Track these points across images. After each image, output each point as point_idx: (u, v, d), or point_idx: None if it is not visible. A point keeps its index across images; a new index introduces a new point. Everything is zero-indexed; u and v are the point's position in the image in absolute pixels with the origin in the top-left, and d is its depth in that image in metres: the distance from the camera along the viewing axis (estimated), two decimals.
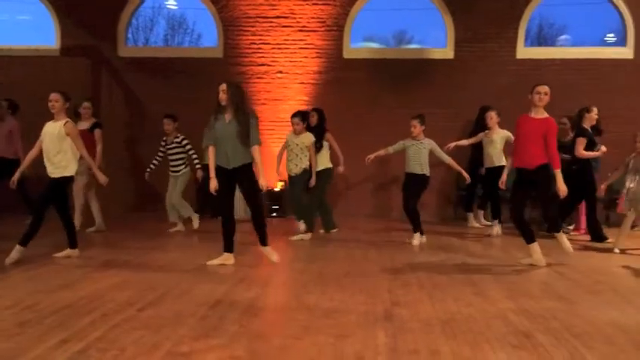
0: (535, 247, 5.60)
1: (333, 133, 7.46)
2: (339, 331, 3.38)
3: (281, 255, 5.71)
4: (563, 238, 5.74)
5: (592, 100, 7.69)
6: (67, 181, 5.55)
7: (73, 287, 4.39)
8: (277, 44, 9.72)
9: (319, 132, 7.34)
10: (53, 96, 5.49)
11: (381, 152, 7.03)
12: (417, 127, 6.77)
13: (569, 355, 3.06)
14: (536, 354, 3.06)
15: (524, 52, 9.52)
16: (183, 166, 7.60)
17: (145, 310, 3.78)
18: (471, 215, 8.65)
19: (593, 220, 7.30)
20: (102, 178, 5.74)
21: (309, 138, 6.98)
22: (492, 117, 7.52)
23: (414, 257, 5.97)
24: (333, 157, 7.46)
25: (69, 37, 9.84)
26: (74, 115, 7.07)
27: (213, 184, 5.19)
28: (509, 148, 7.11)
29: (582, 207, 7.75)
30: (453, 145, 7.45)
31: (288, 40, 9.71)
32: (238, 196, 8.54)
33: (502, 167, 7.14)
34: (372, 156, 6.99)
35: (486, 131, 7.60)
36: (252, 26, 9.73)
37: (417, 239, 6.79)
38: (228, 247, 5.36)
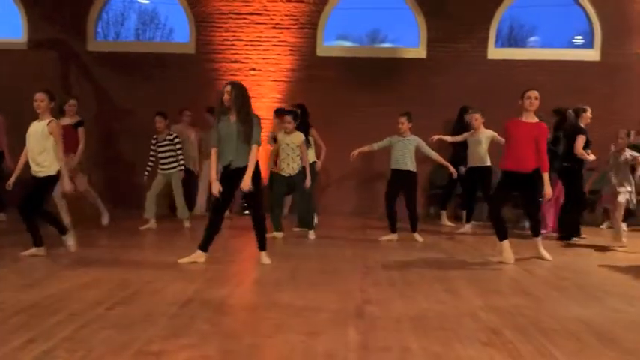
0: (506, 244, 5.70)
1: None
2: (310, 329, 3.39)
3: (252, 254, 5.70)
4: (540, 243, 5.93)
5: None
6: (54, 180, 5.51)
7: (40, 286, 4.30)
8: (250, 41, 9.67)
9: (304, 128, 7.37)
10: (39, 96, 5.46)
11: (366, 148, 7.06)
12: (404, 124, 6.85)
13: (536, 350, 3.12)
14: (505, 350, 3.11)
15: (495, 52, 9.66)
16: (176, 164, 7.58)
17: (114, 309, 3.73)
18: (444, 213, 8.71)
19: (578, 217, 7.46)
20: (67, 186, 5.60)
21: (299, 137, 6.95)
22: (477, 118, 7.64)
23: (387, 255, 6.01)
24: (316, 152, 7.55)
25: (37, 30, 9.64)
26: (59, 113, 7.00)
27: (216, 187, 5.15)
28: (495, 147, 7.25)
29: (550, 205, 7.90)
30: (436, 137, 7.56)
31: (261, 37, 9.67)
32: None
33: (487, 168, 7.26)
34: (356, 152, 7.02)
35: (472, 131, 7.71)
36: (225, 22, 9.67)
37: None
38: (205, 246, 5.30)
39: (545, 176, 5.63)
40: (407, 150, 6.83)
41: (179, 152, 7.57)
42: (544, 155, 5.60)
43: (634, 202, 6.82)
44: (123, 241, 6.41)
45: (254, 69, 9.67)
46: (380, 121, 9.10)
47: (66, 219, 7.17)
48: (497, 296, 4.32)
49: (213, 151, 5.24)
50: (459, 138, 7.89)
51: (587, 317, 3.78)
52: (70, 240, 5.68)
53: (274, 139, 7.20)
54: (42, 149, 5.42)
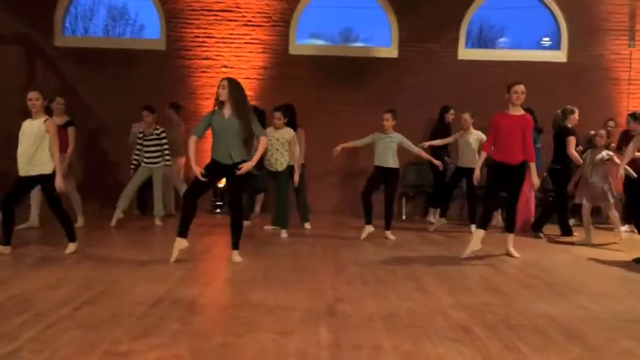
0: (481, 233, 5.81)
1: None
2: (282, 328, 3.38)
3: (224, 252, 5.66)
4: (511, 239, 6.04)
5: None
6: (50, 179, 5.42)
7: (4, 286, 4.19)
8: (222, 38, 9.59)
9: (292, 128, 7.40)
10: (33, 94, 5.46)
11: (349, 144, 7.10)
12: (389, 121, 6.91)
13: (504, 346, 3.17)
14: (474, 347, 3.15)
15: (466, 53, 9.78)
16: (160, 159, 7.60)
17: (80, 309, 3.66)
18: (438, 211, 8.63)
19: (566, 216, 7.73)
20: (60, 184, 5.51)
21: (289, 133, 6.98)
22: (466, 119, 7.72)
23: (359, 254, 6.03)
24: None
25: (0, 23, 9.37)
26: (44, 112, 6.86)
27: (197, 170, 5.14)
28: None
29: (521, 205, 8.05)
30: (427, 144, 7.65)
31: (233, 34, 9.60)
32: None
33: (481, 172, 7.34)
34: (339, 147, 7.05)
35: (461, 132, 7.79)
36: (197, 19, 9.57)
37: (392, 235, 6.98)
38: (185, 232, 5.21)
39: (533, 166, 5.83)
40: (389, 147, 6.89)
41: (165, 148, 7.58)
42: (530, 146, 5.80)
43: (612, 198, 6.98)
44: (91, 240, 6.28)
45: (226, 66, 9.60)
46: (351, 120, 9.15)
47: (78, 212, 7.28)
48: (468, 294, 4.38)
49: (193, 139, 5.25)
50: (448, 140, 7.95)
51: (555, 314, 3.86)
52: (72, 248, 5.56)
53: None
54: (37, 148, 5.38)
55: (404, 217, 9.26)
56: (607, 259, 6.09)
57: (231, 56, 9.60)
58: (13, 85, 8.73)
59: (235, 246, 5.36)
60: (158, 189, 7.64)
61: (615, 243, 6.99)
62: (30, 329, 3.21)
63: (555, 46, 9.97)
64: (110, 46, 9.82)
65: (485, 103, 8.29)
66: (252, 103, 8.51)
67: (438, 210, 8.29)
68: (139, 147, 7.70)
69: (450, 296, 4.27)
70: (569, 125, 7.57)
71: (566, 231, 7.59)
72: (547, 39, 10.57)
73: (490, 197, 6.03)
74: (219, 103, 5.21)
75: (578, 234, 7.48)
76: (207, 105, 9.42)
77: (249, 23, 9.61)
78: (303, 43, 10.09)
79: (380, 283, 4.66)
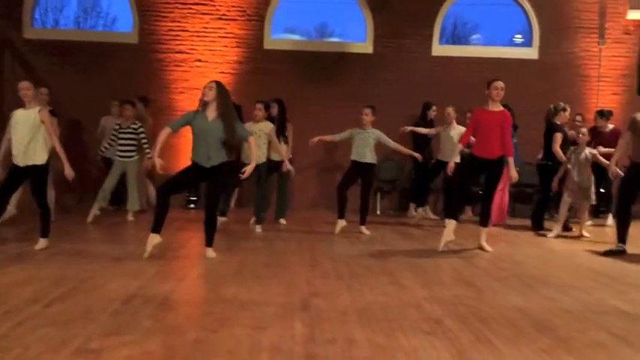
0: (452, 224, 5.93)
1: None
2: (256, 323, 3.37)
3: (198, 248, 5.62)
4: (484, 234, 6.12)
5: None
6: (45, 169, 5.41)
7: None
8: (196, 32, 9.50)
9: (282, 123, 7.46)
10: (24, 84, 5.43)
11: (327, 138, 7.15)
12: (368, 115, 6.96)
13: (476, 338, 3.22)
14: (446, 339, 3.20)
15: (439, 49, 9.85)
16: (135, 153, 7.57)
17: (51, 306, 3.60)
18: (425, 208, 8.70)
19: (542, 212, 7.85)
20: (69, 171, 5.51)
21: (268, 126, 6.98)
22: (450, 113, 7.80)
23: (334, 248, 6.05)
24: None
25: None
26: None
27: (158, 162, 5.12)
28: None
29: (496, 199, 8.18)
30: (409, 128, 7.67)
31: (207, 28, 9.52)
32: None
33: (457, 164, 7.38)
34: (316, 139, 7.08)
35: (444, 125, 7.86)
36: (170, 12, 9.46)
37: (366, 230, 7.01)
38: (159, 228, 5.16)
39: (511, 160, 5.94)
40: (367, 142, 6.93)
41: (143, 142, 7.50)
42: (509, 141, 5.91)
43: (594, 198, 7.17)
44: (63, 236, 6.17)
45: (200, 60, 9.51)
46: (326, 115, 9.16)
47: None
48: (440, 287, 4.43)
49: (166, 130, 5.20)
50: (432, 131, 8.03)
51: (525, 306, 3.93)
52: (43, 245, 5.46)
53: None
54: (31, 138, 5.33)
55: (378, 212, 9.32)
56: (577, 253, 6.23)
57: (205, 50, 9.51)
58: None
59: (209, 243, 5.33)
60: (132, 183, 7.58)
61: (584, 237, 7.16)
62: None
63: (527, 43, 10.12)
64: (81, 39, 9.65)
65: (458, 99, 8.37)
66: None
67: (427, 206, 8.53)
68: (113, 138, 7.60)
69: (424, 289, 4.32)
70: (559, 122, 7.71)
71: (539, 226, 7.72)
72: (519, 36, 10.69)
73: (461, 189, 6.20)
74: (204, 104, 5.17)
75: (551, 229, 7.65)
76: (181, 99, 9.36)
77: (223, 17, 9.53)
78: (279, 37, 10.04)
79: (354, 277, 4.69)
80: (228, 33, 9.54)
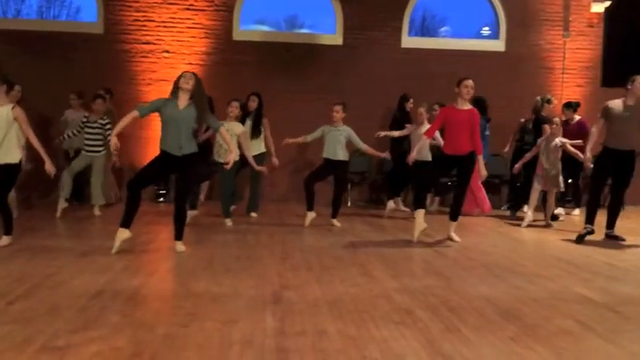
0: (421, 212, 6.02)
1: (221, 117, 7.35)
2: (227, 317, 3.35)
3: (167, 242, 5.56)
4: (453, 227, 6.21)
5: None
6: (17, 168, 5.28)
7: None
8: (163, 22, 9.33)
9: (258, 117, 7.41)
10: None
11: (299, 140, 7.10)
12: (339, 112, 6.94)
13: (445, 328, 3.26)
14: (416, 329, 3.23)
15: (409, 41, 9.89)
16: (102, 148, 7.46)
17: (15, 303, 3.51)
18: (398, 200, 8.64)
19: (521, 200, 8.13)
20: (50, 167, 5.39)
21: (239, 127, 6.92)
22: (421, 113, 7.79)
23: (304, 241, 6.05)
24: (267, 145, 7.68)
25: None
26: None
27: (114, 141, 5.03)
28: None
29: (475, 188, 8.32)
30: (382, 133, 7.68)
31: (174, 18, 9.36)
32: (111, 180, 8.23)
33: (428, 162, 7.43)
34: (289, 141, 7.06)
35: (414, 125, 7.88)
36: (136, 2, 9.26)
37: (337, 222, 7.02)
38: (128, 223, 5.08)
39: (481, 158, 6.04)
40: (338, 140, 6.92)
41: (110, 139, 7.28)
42: (478, 140, 6.00)
43: (562, 185, 7.36)
44: (27, 231, 6.02)
45: (167, 51, 9.36)
46: (296, 107, 9.13)
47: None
48: (410, 278, 4.47)
49: (133, 113, 5.09)
50: (404, 132, 8.03)
51: (492, 295, 3.99)
52: (6, 242, 5.29)
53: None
54: (4, 135, 5.17)
55: (349, 203, 9.34)
56: (544, 242, 6.36)
57: (173, 41, 9.36)
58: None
59: (179, 236, 5.27)
60: (97, 178, 7.47)
61: (548, 225, 7.32)
62: None
63: (494, 35, 10.24)
64: (44, 29, 9.38)
65: (428, 91, 8.44)
66: None
67: (399, 198, 8.59)
68: (79, 130, 7.46)
69: (394, 280, 4.35)
70: (544, 114, 7.89)
71: (514, 213, 8.06)
72: (487, 28, 10.81)
73: (428, 181, 6.35)
74: (175, 92, 5.09)
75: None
76: (148, 91, 9.20)
77: (191, 7, 9.39)
78: (248, 28, 9.94)
79: (325, 269, 4.69)
80: (197, 24, 9.41)
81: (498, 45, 10.04)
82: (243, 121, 7.28)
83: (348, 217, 7.68)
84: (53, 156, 8.68)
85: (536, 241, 6.43)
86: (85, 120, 7.44)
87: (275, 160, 7.70)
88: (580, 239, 6.23)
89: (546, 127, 7.62)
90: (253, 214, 7.67)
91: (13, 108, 5.27)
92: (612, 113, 6.20)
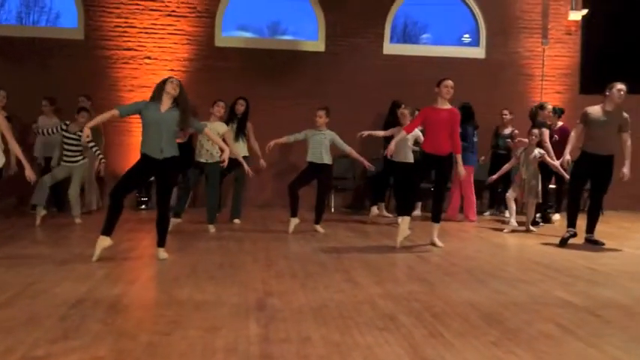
0: (407, 219, 6.03)
1: (205, 119, 7.33)
2: (210, 324, 3.33)
3: (149, 250, 5.51)
4: (437, 230, 6.24)
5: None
6: None
7: None
8: (144, 28, 9.29)
9: (243, 121, 7.49)
10: None
11: (283, 140, 7.12)
12: (322, 117, 6.98)
13: (429, 333, 3.27)
14: (400, 335, 3.24)
15: (391, 48, 9.96)
16: (81, 157, 7.38)
17: None
18: (381, 205, 8.69)
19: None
20: (30, 173, 5.33)
21: (223, 127, 6.95)
22: (405, 114, 7.82)
23: (289, 247, 6.04)
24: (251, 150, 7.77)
25: None
26: None
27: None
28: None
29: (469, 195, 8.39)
30: (366, 133, 7.69)
31: (156, 24, 9.32)
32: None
33: (410, 164, 7.46)
34: (272, 143, 7.04)
35: (398, 127, 7.90)
36: (117, 8, 9.21)
37: (321, 228, 7.04)
38: (110, 230, 5.03)
39: (459, 157, 6.12)
40: (322, 144, 6.94)
41: (91, 146, 7.18)
42: (457, 138, 6.07)
43: (540, 196, 7.44)
44: (5, 240, 5.92)
45: (149, 57, 9.31)
46: (279, 113, 9.13)
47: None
48: (394, 284, 4.48)
49: (113, 111, 5.09)
50: (387, 132, 8.07)
51: (475, 300, 4.02)
52: None
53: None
54: None
55: (332, 209, 9.35)
56: (525, 247, 6.43)
57: (155, 47, 9.32)
58: None
59: (161, 244, 5.22)
60: (76, 188, 7.33)
61: (529, 231, 7.40)
62: None
63: (475, 43, 10.36)
64: (23, 35, 9.27)
65: (409, 97, 8.49)
66: None
67: (382, 204, 8.65)
68: (53, 131, 7.30)
69: (378, 286, 4.36)
70: (541, 119, 8.01)
71: (543, 218, 8.12)
72: (467, 36, 10.94)
73: (412, 187, 6.36)
74: (159, 96, 5.06)
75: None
76: (130, 97, 9.13)
77: (173, 13, 9.36)
78: (230, 35, 9.93)
79: (309, 275, 4.69)
80: (179, 30, 9.38)
81: (479, 52, 10.16)
82: (227, 124, 7.32)
83: (331, 223, 7.68)
84: (33, 165, 8.64)
85: (518, 246, 6.50)
86: (64, 128, 7.31)
87: (263, 163, 7.76)
88: (563, 242, 6.34)
89: (544, 131, 7.75)
90: (236, 221, 7.65)
91: None
92: (591, 119, 6.32)
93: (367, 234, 7.11)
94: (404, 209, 6.19)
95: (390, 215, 8.61)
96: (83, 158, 7.41)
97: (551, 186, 8.43)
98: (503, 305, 3.91)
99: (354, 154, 7.19)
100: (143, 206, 8.87)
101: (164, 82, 5.10)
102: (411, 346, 3.05)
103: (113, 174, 8.54)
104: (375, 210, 8.16)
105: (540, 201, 7.57)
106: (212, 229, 6.83)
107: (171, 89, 5.05)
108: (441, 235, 6.35)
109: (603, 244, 6.40)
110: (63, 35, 9.30)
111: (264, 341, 3.07)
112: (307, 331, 3.26)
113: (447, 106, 6.12)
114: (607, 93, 6.30)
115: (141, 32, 9.28)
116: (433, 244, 6.18)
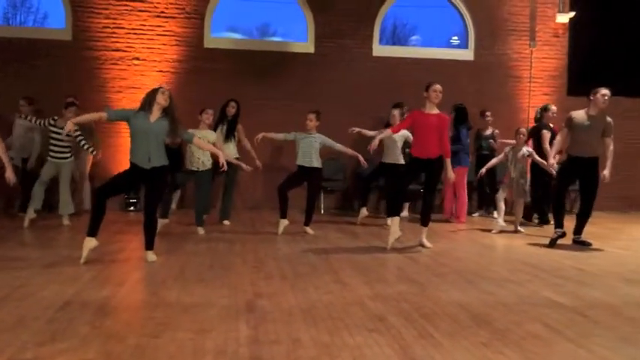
0: (397, 220, 6.06)
1: (194, 124, 7.31)
2: (199, 326, 3.31)
3: (137, 252, 5.47)
4: (425, 232, 6.27)
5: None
6: None
7: None
8: (133, 29, 9.24)
9: (233, 123, 7.51)
10: None
11: (272, 135, 7.15)
12: (312, 121, 6.99)
13: (418, 334, 3.28)
14: (389, 335, 3.24)
15: (380, 50, 9.98)
16: (69, 154, 7.31)
17: None
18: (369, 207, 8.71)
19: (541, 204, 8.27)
20: (11, 176, 5.32)
21: (212, 135, 6.93)
22: (395, 115, 7.82)
23: (278, 249, 6.03)
24: (242, 151, 7.74)
25: None
26: None
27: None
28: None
29: (451, 194, 8.42)
30: (356, 130, 7.68)
31: (145, 25, 9.27)
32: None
33: (400, 166, 7.47)
34: (260, 135, 7.06)
35: (388, 129, 7.91)
36: (105, 8, 9.15)
37: (311, 230, 7.03)
38: (95, 231, 4.99)
39: (448, 161, 6.14)
40: (312, 147, 6.96)
41: (83, 144, 7.18)
42: (446, 143, 6.11)
43: (529, 195, 7.53)
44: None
45: (138, 59, 9.26)
46: (268, 114, 9.11)
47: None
48: (383, 284, 4.49)
49: (101, 114, 5.11)
50: (376, 133, 8.05)
51: (464, 301, 4.04)
52: None
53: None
54: None
55: (322, 211, 9.35)
56: (514, 248, 6.46)
57: (143, 48, 9.27)
58: None
59: (149, 246, 5.20)
60: (65, 185, 7.29)
61: (517, 232, 7.45)
62: None
63: (463, 45, 10.41)
64: (11, 35, 9.18)
65: (398, 99, 8.48)
66: None
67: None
68: (43, 127, 7.29)
69: (367, 287, 4.36)
70: (544, 121, 8.10)
71: (543, 218, 8.19)
72: (456, 38, 11.00)
73: (401, 189, 6.36)
74: (149, 107, 5.03)
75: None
76: (118, 99, 9.08)
77: (161, 15, 9.31)
78: (220, 36, 9.91)
79: (299, 277, 4.68)
80: (167, 31, 9.34)
81: (467, 54, 10.21)
82: (216, 126, 7.30)
83: (321, 225, 7.67)
84: (17, 166, 8.57)
85: (506, 247, 6.54)
86: (52, 123, 7.21)
87: (259, 163, 7.79)
88: (552, 243, 6.40)
89: (545, 133, 7.88)
90: (226, 222, 7.63)
91: None
92: (575, 123, 6.39)
93: (356, 235, 7.11)
94: (394, 210, 6.21)
95: (379, 216, 8.66)
96: (72, 155, 7.34)
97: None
98: (492, 306, 3.93)
99: (347, 150, 7.21)
100: (132, 208, 8.82)
101: (155, 92, 5.07)
102: (400, 347, 3.06)
103: (102, 175, 8.48)
104: (364, 211, 8.16)
105: (528, 200, 7.62)
106: (201, 231, 6.80)
107: (162, 100, 5.03)
108: (430, 236, 6.37)
109: (590, 245, 6.46)
110: (50, 36, 9.23)
111: (254, 343, 3.07)
112: (297, 332, 3.26)
113: (436, 110, 6.14)
114: (591, 97, 6.36)
115: (129, 33, 9.23)
116: (422, 245, 6.21)
